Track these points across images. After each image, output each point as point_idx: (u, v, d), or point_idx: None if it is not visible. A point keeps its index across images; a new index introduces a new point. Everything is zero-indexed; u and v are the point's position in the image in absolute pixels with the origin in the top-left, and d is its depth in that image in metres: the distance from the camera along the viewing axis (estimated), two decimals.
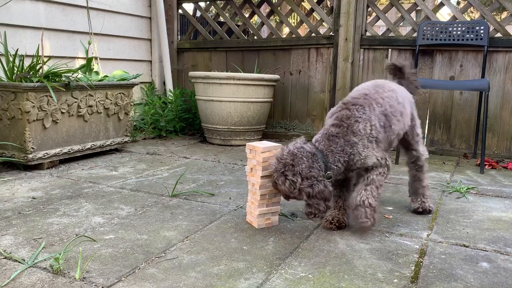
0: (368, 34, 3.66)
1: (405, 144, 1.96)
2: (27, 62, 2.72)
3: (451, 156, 3.39)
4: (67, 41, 3.43)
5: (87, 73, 3.00)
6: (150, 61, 4.36)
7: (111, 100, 3.04)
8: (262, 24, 4.28)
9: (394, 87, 1.81)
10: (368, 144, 1.63)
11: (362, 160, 1.63)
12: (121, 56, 3.97)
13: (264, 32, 9.24)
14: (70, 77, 2.73)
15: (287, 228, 1.76)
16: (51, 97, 2.56)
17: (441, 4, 3.46)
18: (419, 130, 1.95)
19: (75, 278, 1.30)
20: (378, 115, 1.67)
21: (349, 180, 1.78)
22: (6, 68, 2.59)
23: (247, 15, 4.24)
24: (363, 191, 1.66)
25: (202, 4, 4.37)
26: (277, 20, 4.18)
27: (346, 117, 1.64)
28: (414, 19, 3.53)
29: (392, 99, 1.73)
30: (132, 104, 3.30)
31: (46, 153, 2.62)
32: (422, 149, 1.97)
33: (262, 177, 1.69)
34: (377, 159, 1.66)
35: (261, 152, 1.68)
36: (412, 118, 1.89)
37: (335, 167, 1.62)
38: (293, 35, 4.02)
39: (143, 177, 2.50)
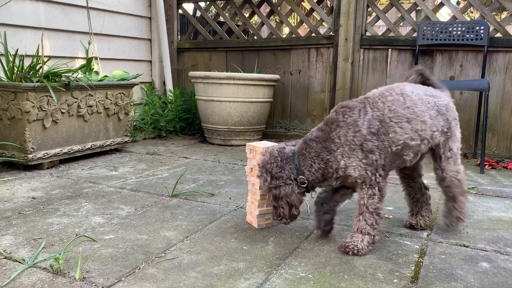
0: (368, 34, 3.66)
1: (434, 158, 1.69)
2: (27, 62, 2.72)
3: None
4: (67, 41, 3.43)
5: (87, 73, 3.00)
6: (150, 61, 4.36)
7: (111, 100, 3.04)
8: (262, 24, 4.28)
9: (408, 90, 1.57)
10: (350, 153, 1.46)
11: (343, 170, 1.49)
12: (121, 56, 3.97)
13: (264, 32, 9.23)
14: (70, 77, 2.73)
15: (287, 228, 1.76)
16: (51, 97, 2.56)
17: (441, 4, 3.46)
18: (454, 145, 1.63)
19: (75, 278, 1.30)
20: (369, 119, 1.48)
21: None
22: (6, 68, 2.59)
23: (247, 15, 4.24)
24: (357, 222, 1.52)
25: (202, 4, 4.38)
26: (277, 20, 4.18)
27: (330, 121, 1.53)
28: (414, 19, 3.53)
29: (396, 103, 1.52)
30: (132, 104, 3.30)
31: (46, 153, 2.62)
32: (453, 169, 1.64)
33: None
34: (366, 172, 1.47)
35: (261, 152, 1.68)
36: (448, 128, 1.61)
37: (307, 172, 1.52)
38: (293, 35, 4.02)
39: (143, 177, 2.50)
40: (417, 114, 1.53)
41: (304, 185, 1.54)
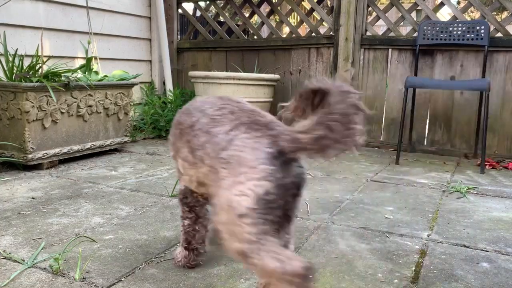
0: (368, 34, 3.65)
1: None
2: (26, 62, 2.71)
3: (452, 156, 3.38)
4: (67, 41, 3.43)
5: (86, 73, 2.99)
6: (150, 61, 4.36)
7: (110, 100, 3.04)
8: (262, 23, 4.28)
9: (198, 101, 1.23)
10: None
11: None
12: (121, 56, 3.97)
13: (264, 32, 9.23)
14: (70, 77, 2.73)
15: None
16: (50, 97, 2.55)
17: (442, 4, 3.46)
18: (218, 198, 0.98)
19: (74, 279, 1.30)
20: None
21: None
22: (6, 68, 2.58)
23: (247, 15, 4.24)
24: None
25: (202, 3, 4.37)
26: (277, 20, 4.18)
27: None
28: (415, 18, 3.52)
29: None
30: (132, 104, 3.29)
31: (46, 153, 2.61)
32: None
33: None
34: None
35: None
36: (217, 169, 1.02)
37: None
38: (293, 35, 4.01)
39: (142, 177, 2.50)
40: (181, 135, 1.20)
41: None
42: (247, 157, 0.95)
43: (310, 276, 0.89)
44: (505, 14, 14.99)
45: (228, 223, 0.94)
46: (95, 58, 3.32)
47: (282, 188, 0.95)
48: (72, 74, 2.80)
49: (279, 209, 0.97)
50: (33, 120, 2.51)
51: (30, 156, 2.51)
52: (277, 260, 0.90)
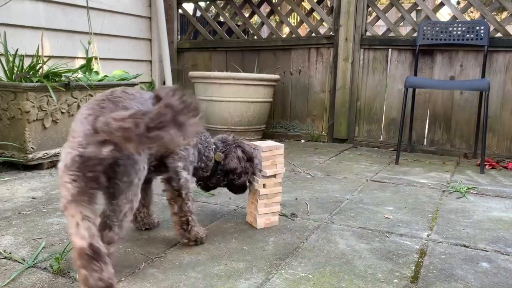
0: (368, 34, 3.66)
1: None
2: (27, 62, 2.71)
3: (452, 156, 3.38)
4: (67, 41, 3.43)
5: (87, 73, 3.00)
6: (150, 61, 4.36)
7: None
8: (262, 24, 4.28)
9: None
10: None
11: None
12: (121, 56, 3.97)
13: (264, 32, 9.23)
14: (70, 77, 2.73)
15: (287, 228, 1.76)
16: (51, 97, 2.56)
17: (441, 4, 3.46)
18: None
19: (75, 278, 1.30)
20: None
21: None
22: (6, 68, 2.58)
23: (247, 15, 4.24)
24: None
25: (202, 4, 4.38)
26: (277, 20, 4.18)
27: None
28: (414, 19, 3.53)
29: None
30: None
31: (46, 153, 2.61)
32: None
33: (263, 176, 1.69)
34: None
35: (262, 151, 1.68)
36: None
37: None
38: (293, 35, 4.02)
39: None
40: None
41: None
42: (75, 128, 1.15)
43: None
44: (504, 14, 14.99)
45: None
46: (95, 58, 3.32)
47: (88, 160, 1.11)
48: (73, 74, 2.80)
49: (87, 177, 1.13)
50: (34, 120, 2.51)
51: (30, 156, 2.51)
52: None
